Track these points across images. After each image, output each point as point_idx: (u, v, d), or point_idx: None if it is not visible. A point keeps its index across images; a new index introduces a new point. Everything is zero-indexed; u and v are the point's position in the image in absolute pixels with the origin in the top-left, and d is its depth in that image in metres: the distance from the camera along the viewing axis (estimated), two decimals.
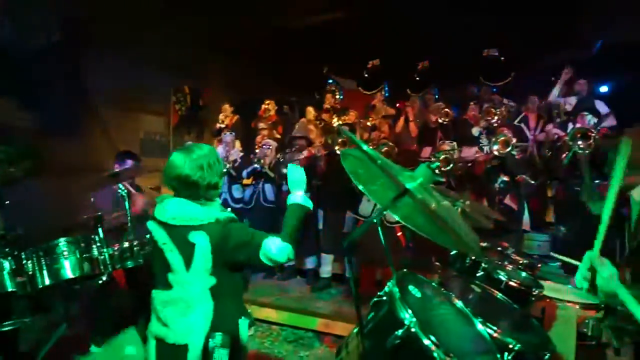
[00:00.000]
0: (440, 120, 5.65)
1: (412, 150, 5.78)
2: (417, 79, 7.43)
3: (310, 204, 1.95)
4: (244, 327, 1.85)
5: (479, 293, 2.07)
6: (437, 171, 4.32)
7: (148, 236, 2.02)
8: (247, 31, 8.87)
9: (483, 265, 2.39)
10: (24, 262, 2.39)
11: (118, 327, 3.55)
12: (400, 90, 7.39)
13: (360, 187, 1.36)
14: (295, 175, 1.97)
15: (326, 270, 5.09)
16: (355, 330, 1.46)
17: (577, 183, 4.20)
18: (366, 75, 7.72)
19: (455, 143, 5.10)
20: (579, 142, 4.18)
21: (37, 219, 3.16)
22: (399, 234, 4.33)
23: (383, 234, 1.62)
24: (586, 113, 4.68)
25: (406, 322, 1.27)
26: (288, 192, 2.01)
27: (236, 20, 8.65)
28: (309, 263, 5.29)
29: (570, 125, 4.96)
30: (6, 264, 2.30)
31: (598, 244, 1.23)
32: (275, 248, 1.75)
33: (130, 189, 3.19)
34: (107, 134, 7.70)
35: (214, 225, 1.78)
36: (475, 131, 5.44)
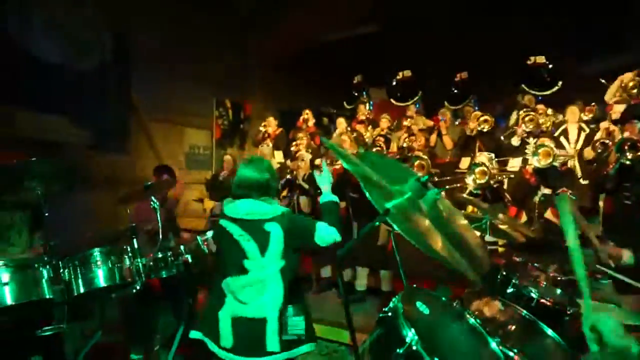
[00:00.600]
0: (479, 128, 5.45)
1: (449, 162, 5.62)
2: (456, 91, 7.25)
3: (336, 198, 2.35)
4: (305, 300, 2.30)
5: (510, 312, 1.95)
6: (472, 182, 4.17)
7: (210, 234, 2.75)
8: (287, 44, 9.05)
9: (513, 281, 2.27)
10: (61, 270, 2.52)
11: (152, 335, 3.68)
12: (438, 103, 7.23)
13: (368, 196, 1.34)
14: (322, 174, 2.40)
15: (361, 284, 5.02)
16: (361, 347, 1.43)
17: (627, 196, 3.90)
18: (396, 87, 7.61)
19: (493, 154, 4.91)
20: (627, 153, 3.89)
21: (81, 229, 3.33)
22: None
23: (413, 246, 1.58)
24: (636, 121, 4.35)
25: (407, 340, 1.21)
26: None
27: (275, 34, 8.85)
28: (345, 275, 5.23)
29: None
30: (45, 273, 2.42)
31: (587, 298, 1.13)
32: (325, 230, 2.17)
33: (154, 202, 3.29)
34: (153, 148, 8.05)
35: (281, 216, 2.22)
36: (515, 141, 5.21)
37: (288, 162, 5.79)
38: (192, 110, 8.74)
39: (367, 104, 7.82)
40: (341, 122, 6.85)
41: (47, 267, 2.44)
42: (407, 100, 6.97)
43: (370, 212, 3.77)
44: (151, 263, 3.09)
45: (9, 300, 2.26)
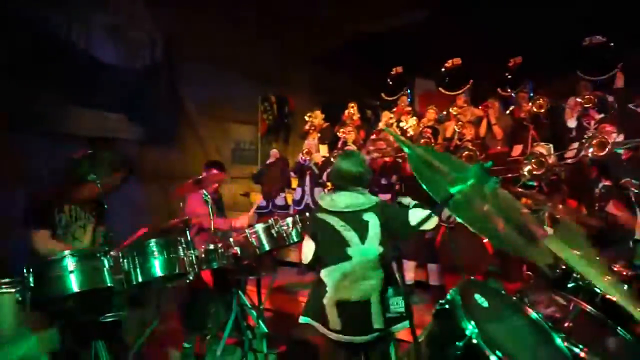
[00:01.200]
0: (535, 110, 5.17)
1: (501, 151, 5.41)
2: (509, 77, 6.92)
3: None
4: (399, 281, 2.38)
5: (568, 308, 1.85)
6: (527, 173, 3.99)
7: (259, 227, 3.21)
8: (330, 37, 9.01)
9: (574, 275, 2.15)
10: (121, 260, 2.64)
11: (204, 324, 3.80)
12: (489, 90, 6.92)
13: (424, 187, 1.31)
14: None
15: (408, 277, 4.95)
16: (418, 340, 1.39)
17: None
18: (446, 76, 7.35)
19: (551, 146, 4.67)
20: None
21: (137, 221, 3.47)
22: (486, 240, 4.06)
23: (466, 239, 1.56)
24: None
25: (467, 333, 1.17)
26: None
27: (318, 26, 8.81)
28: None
29: None
30: (106, 262, 2.54)
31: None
32: (418, 213, 2.32)
33: (207, 196, 3.38)
34: (201, 144, 8.28)
35: (376, 206, 2.43)
36: (571, 123, 4.92)
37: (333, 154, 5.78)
38: (237, 105, 8.90)
39: (407, 96, 7.65)
40: (386, 115, 6.76)
41: (108, 257, 2.56)
42: (457, 89, 6.71)
43: (420, 201, 3.68)
44: (203, 255, 3.19)
45: (75, 287, 2.38)
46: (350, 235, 2.39)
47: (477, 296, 1.37)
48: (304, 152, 6.29)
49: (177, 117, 7.69)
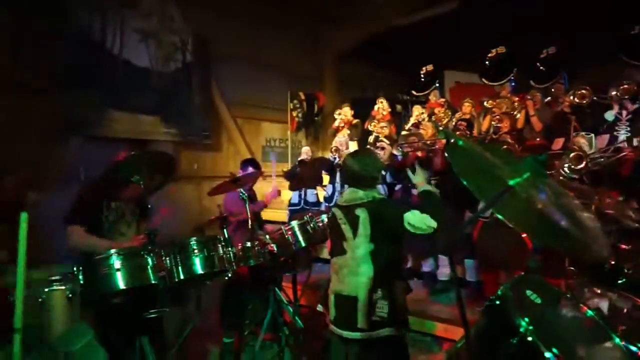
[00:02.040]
0: (577, 101, 4.97)
1: (540, 144, 5.23)
2: (542, 68, 6.67)
3: (430, 187, 2.47)
4: (398, 288, 2.39)
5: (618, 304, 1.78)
6: (566, 170, 3.85)
7: (295, 224, 3.37)
8: (359, 32, 8.97)
9: (626, 271, 2.07)
10: (163, 258, 2.70)
11: (242, 320, 3.85)
12: (525, 82, 6.68)
13: (464, 182, 1.29)
14: (420, 172, 2.56)
15: (444, 273, 4.88)
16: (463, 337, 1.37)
17: None
18: (490, 65, 7.04)
19: (592, 135, 4.49)
20: None
21: (172, 220, 3.56)
22: (524, 235, 3.95)
23: (505, 235, 1.53)
24: None
25: (521, 330, 1.14)
26: (401, 191, 2.45)
27: (346, 22, 8.77)
28: (426, 265, 5.12)
29: None
30: (149, 260, 2.61)
31: None
32: (415, 217, 2.21)
33: (244, 194, 3.43)
34: (233, 143, 8.40)
35: (371, 202, 2.42)
36: (609, 115, 4.71)
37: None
38: (268, 104, 8.98)
39: (438, 91, 7.50)
40: (417, 109, 6.66)
41: (151, 254, 2.63)
42: (501, 80, 6.45)
43: (451, 196, 3.62)
44: (240, 252, 3.23)
45: (121, 285, 2.46)
46: (346, 228, 2.46)
47: (529, 292, 1.33)
48: (332, 149, 6.29)
49: (209, 117, 7.83)
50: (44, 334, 2.36)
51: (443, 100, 6.99)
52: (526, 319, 1.16)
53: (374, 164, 2.58)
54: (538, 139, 5.29)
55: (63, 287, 2.40)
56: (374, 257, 2.36)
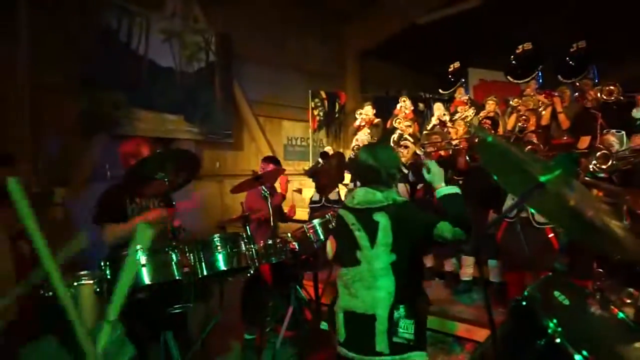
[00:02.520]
0: (604, 97, 4.82)
1: (565, 142, 5.11)
2: (571, 63, 6.46)
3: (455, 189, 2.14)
4: (422, 304, 2.10)
5: None
6: (594, 167, 3.74)
7: (316, 222, 3.07)
8: (381, 30, 8.92)
9: None
10: (187, 254, 2.75)
11: (263, 317, 3.88)
12: (552, 78, 6.50)
13: (495, 178, 1.26)
14: (434, 169, 2.19)
15: (467, 273, 4.82)
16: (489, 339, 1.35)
17: None
18: (516, 63, 6.85)
19: (623, 133, 4.35)
20: None
21: (195, 216, 3.62)
22: (551, 235, 3.86)
23: (530, 235, 1.49)
24: None
25: (549, 332, 1.12)
26: (422, 190, 2.23)
27: (368, 19, 8.74)
28: (449, 265, 5.07)
29: None
30: (174, 256, 2.65)
31: None
32: (446, 228, 1.96)
33: (266, 192, 3.45)
34: (255, 141, 8.47)
35: (392, 206, 2.09)
36: (636, 112, 4.56)
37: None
38: (289, 102, 9.02)
39: (464, 89, 7.37)
40: (439, 107, 6.58)
41: (176, 251, 2.67)
42: (527, 77, 6.29)
43: (476, 196, 3.56)
44: (262, 249, 3.26)
45: (146, 280, 2.51)
46: (360, 236, 2.11)
47: (557, 293, 1.30)
48: (354, 147, 6.28)
49: (231, 115, 7.92)
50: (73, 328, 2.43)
51: (466, 98, 6.88)
52: (554, 320, 1.13)
53: (390, 158, 2.26)
54: (565, 137, 5.16)
55: (91, 282, 2.46)
56: (395, 269, 2.04)
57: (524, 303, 1.25)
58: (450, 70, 7.59)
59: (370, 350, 2.00)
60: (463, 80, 7.35)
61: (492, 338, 1.19)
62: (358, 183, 6.05)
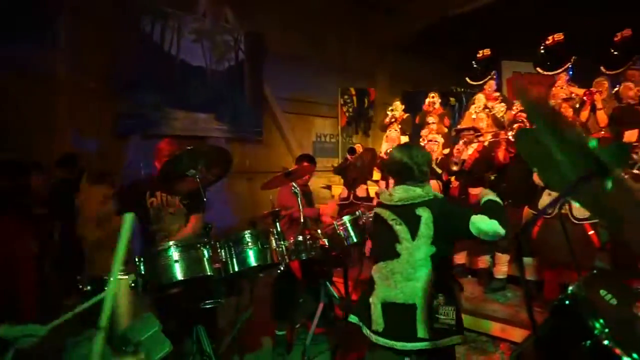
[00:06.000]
0: None
1: (604, 137, 4.87)
2: (615, 52, 6.12)
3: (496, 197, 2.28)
4: (457, 291, 2.29)
5: None
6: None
7: (347, 219, 3.19)
8: (411, 24, 8.79)
9: None
10: (219, 250, 2.77)
11: (293, 313, 3.89)
12: (591, 69, 6.19)
13: (534, 169, 1.21)
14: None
15: (501, 271, 4.69)
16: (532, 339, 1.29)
17: None
18: (546, 54, 6.61)
19: None
20: None
21: (226, 213, 3.66)
22: (591, 232, 3.70)
23: (569, 232, 1.43)
24: None
25: (596, 332, 1.06)
26: (456, 188, 2.34)
27: (396, 13, 8.61)
28: (482, 262, 4.95)
29: None
30: (205, 252, 2.68)
31: None
32: (483, 222, 2.09)
33: (296, 188, 3.45)
34: (284, 139, 8.51)
35: (433, 201, 2.24)
36: None
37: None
38: (318, 99, 9.02)
39: (494, 80, 7.15)
40: (480, 99, 6.36)
41: (207, 247, 2.70)
42: (558, 68, 6.06)
43: (510, 194, 3.45)
44: (292, 246, 3.26)
45: (179, 276, 2.55)
46: (401, 229, 2.24)
47: (603, 292, 1.23)
48: (385, 153, 6.17)
49: (261, 113, 7.97)
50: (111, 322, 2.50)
51: (497, 94, 6.66)
52: (601, 321, 1.07)
53: (423, 156, 2.37)
54: (602, 132, 4.93)
55: (127, 277, 2.52)
56: (434, 261, 2.18)
57: (568, 302, 1.19)
58: (479, 57, 7.34)
59: (412, 337, 2.13)
60: (495, 72, 7.12)
61: (532, 338, 1.14)
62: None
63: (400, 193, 2.31)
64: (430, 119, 6.35)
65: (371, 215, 3.41)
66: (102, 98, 5.84)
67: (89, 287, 2.50)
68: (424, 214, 2.20)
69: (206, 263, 2.67)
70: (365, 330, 2.33)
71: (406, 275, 2.18)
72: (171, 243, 2.58)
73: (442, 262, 2.23)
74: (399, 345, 2.16)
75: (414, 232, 2.20)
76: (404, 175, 2.34)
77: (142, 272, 2.54)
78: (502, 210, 2.20)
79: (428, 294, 2.14)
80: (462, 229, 2.14)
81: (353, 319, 2.41)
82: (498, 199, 2.28)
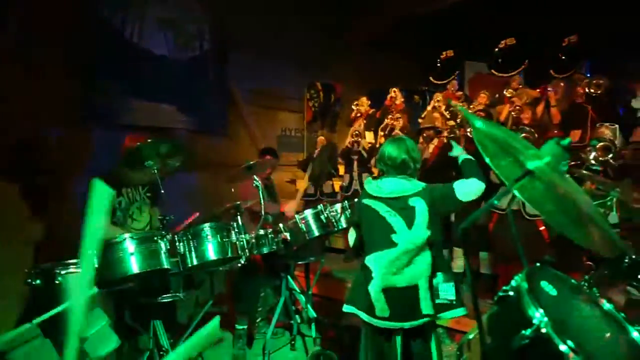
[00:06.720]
0: (592, 91, 4.85)
1: (556, 136, 5.12)
2: (563, 57, 6.42)
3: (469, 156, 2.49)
4: (451, 268, 2.54)
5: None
6: (593, 160, 3.75)
7: (309, 213, 3.25)
8: (377, 21, 8.85)
9: None
10: (176, 243, 2.73)
11: (254, 307, 3.88)
12: (542, 72, 6.48)
13: (487, 161, 1.25)
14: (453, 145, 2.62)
15: (458, 265, 4.83)
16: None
17: None
18: (499, 57, 6.90)
19: (617, 126, 4.36)
20: None
21: (189, 207, 3.59)
22: (542, 228, 3.87)
23: (521, 227, 1.49)
24: None
25: (535, 322, 1.11)
26: None
27: (364, 11, 8.64)
28: None
29: None
30: (162, 245, 2.63)
31: None
32: (464, 185, 2.32)
33: (258, 181, 3.43)
34: (249, 132, 8.41)
35: (423, 190, 2.37)
36: (636, 103, 4.57)
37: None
38: (283, 93, 8.94)
39: (457, 82, 7.34)
40: (438, 96, 6.53)
41: (165, 240, 2.65)
42: (512, 71, 6.32)
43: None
44: (254, 239, 3.24)
45: (134, 269, 2.49)
46: (396, 221, 2.34)
47: (543, 283, 1.30)
48: (354, 134, 6.25)
49: (225, 106, 7.84)
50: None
51: (460, 93, 6.85)
52: (541, 311, 1.13)
53: (414, 153, 2.49)
54: (555, 131, 5.17)
55: (78, 271, 2.44)
56: (430, 243, 2.33)
57: (511, 293, 1.24)
58: (442, 57, 7.52)
59: (417, 315, 2.30)
60: (458, 72, 7.31)
61: (478, 327, 1.18)
62: (354, 175, 6.09)
63: (390, 186, 2.42)
64: (395, 116, 6.45)
65: (333, 210, 3.44)
66: (59, 83, 5.56)
67: (38, 281, 2.41)
68: (418, 205, 2.33)
69: (163, 256, 2.63)
70: (368, 318, 2.39)
71: (406, 262, 2.30)
72: (126, 235, 2.52)
73: (438, 243, 2.40)
74: (407, 324, 2.31)
75: (409, 222, 2.32)
76: (399, 169, 2.45)
77: (96, 266, 2.46)
78: (475, 165, 2.40)
79: (428, 274, 2.31)
80: (453, 203, 2.33)
81: (349, 309, 2.48)
82: (470, 156, 2.46)
